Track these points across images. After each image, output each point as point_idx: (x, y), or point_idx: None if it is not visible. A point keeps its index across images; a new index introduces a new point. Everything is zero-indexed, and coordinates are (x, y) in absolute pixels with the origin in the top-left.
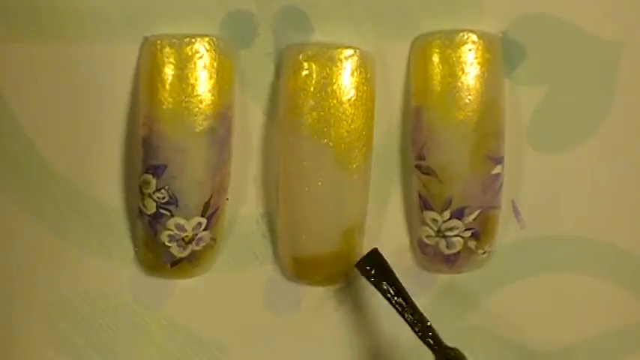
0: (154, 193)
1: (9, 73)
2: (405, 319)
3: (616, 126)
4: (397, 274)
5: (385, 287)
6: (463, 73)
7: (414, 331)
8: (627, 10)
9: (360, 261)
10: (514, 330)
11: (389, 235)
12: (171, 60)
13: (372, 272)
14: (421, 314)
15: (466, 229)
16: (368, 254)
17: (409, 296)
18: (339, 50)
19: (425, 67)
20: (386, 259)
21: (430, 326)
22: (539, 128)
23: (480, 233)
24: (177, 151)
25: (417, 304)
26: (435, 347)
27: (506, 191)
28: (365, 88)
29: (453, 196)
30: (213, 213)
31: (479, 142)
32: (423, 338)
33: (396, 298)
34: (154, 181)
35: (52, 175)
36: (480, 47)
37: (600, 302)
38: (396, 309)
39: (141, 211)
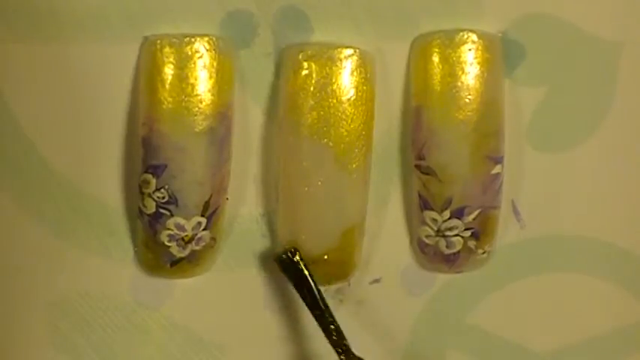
0: (153, 192)
1: (9, 73)
2: (318, 321)
3: (616, 126)
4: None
5: (303, 289)
6: (463, 72)
7: (328, 337)
8: (627, 10)
9: (279, 257)
10: (514, 330)
11: (389, 235)
12: (171, 60)
13: (293, 272)
14: (334, 320)
15: (466, 229)
16: (288, 252)
17: (324, 300)
18: (338, 50)
19: (425, 67)
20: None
21: (342, 333)
22: (539, 128)
23: (480, 233)
24: (177, 151)
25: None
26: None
27: (506, 191)
28: (365, 87)
29: (452, 195)
30: (213, 213)
31: (479, 142)
32: (335, 344)
33: (311, 300)
34: (153, 181)
35: (52, 175)
36: (479, 47)
37: (600, 302)
38: (313, 311)
39: (141, 211)
